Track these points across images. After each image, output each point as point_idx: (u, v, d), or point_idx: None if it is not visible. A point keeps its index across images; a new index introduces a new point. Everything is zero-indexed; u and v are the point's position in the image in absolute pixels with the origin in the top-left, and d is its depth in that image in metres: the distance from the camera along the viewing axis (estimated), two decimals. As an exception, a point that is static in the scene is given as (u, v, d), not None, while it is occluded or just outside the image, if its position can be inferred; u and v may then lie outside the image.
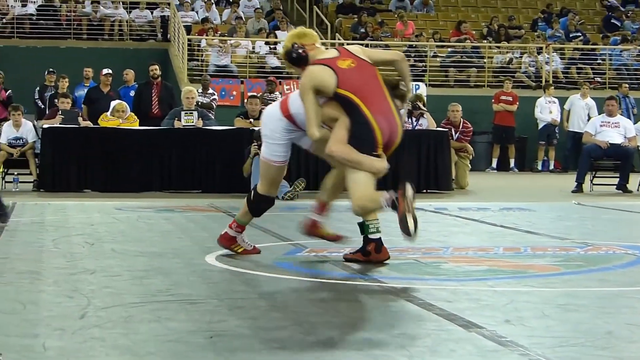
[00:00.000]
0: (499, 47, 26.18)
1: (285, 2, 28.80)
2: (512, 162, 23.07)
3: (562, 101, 22.94)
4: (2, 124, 16.15)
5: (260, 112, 15.44)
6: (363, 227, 6.78)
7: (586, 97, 22.74)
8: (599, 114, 18.40)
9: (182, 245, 7.97)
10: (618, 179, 15.76)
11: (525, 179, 20.81)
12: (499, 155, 23.05)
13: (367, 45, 24.49)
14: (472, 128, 16.85)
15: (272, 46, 24.52)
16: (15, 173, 14.80)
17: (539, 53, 25.68)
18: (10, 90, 19.56)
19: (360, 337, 4.46)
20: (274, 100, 18.12)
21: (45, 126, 14.79)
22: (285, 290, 5.83)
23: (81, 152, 14.41)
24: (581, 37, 27.16)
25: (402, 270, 6.20)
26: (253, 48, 24.43)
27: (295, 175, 13.87)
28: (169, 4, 25.75)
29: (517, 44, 26.48)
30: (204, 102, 18.01)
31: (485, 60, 25.42)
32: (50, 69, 19.79)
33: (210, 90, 19.28)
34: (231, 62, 23.81)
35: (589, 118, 20.67)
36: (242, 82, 23.10)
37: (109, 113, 15.47)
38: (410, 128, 15.12)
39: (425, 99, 17.26)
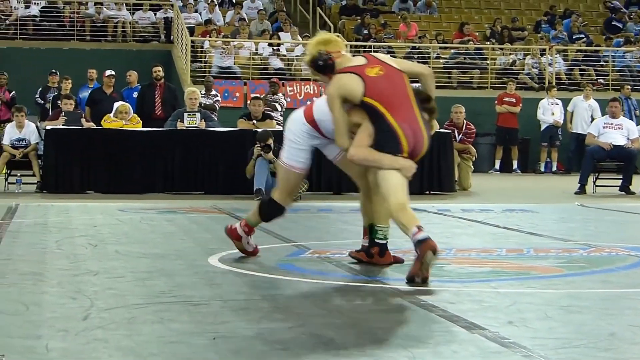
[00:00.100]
0: (502, 49, 26.17)
1: (288, 4, 28.81)
2: (515, 164, 23.06)
3: (565, 103, 22.94)
4: (6, 125, 16.17)
5: (263, 113, 15.51)
6: (372, 230, 6.77)
7: (589, 98, 22.75)
8: (602, 116, 18.39)
9: (185, 246, 7.97)
10: (621, 181, 15.77)
11: (528, 180, 20.80)
12: (502, 156, 23.05)
13: (370, 47, 24.51)
14: (475, 129, 16.85)
15: (275, 48, 24.53)
16: (19, 174, 14.80)
17: (542, 55, 25.67)
18: (14, 92, 19.59)
19: (363, 338, 4.46)
20: (276, 102, 18.20)
21: (48, 127, 14.80)
22: (288, 292, 5.83)
23: (84, 153, 14.42)
24: (584, 39, 27.15)
25: (405, 272, 6.19)
26: (256, 49, 24.44)
27: (298, 176, 13.87)
28: (172, 5, 25.77)
29: (520, 46, 26.47)
30: (207, 103, 18.03)
31: (488, 61, 25.41)
32: (53, 70, 19.81)
33: (213, 92, 19.29)
34: (234, 64, 23.82)
35: (592, 119, 20.67)
36: (245, 84, 23.12)
37: (112, 114, 15.49)
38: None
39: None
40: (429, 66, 24.65)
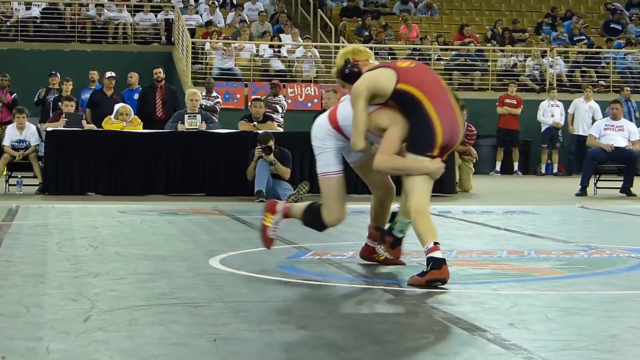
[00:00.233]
0: (503, 51, 26.18)
1: (289, 6, 28.81)
2: (515, 166, 23.06)
3: (566, 104, 22.95)
4: (7, 126, 16.18)
5: (264, 115, 15.51)
6: (393, 220, 6.67)
7: (589, 100, 22.76)
8: (603, 117, 18.39)
9: (186, 248, 7.97)
10: (622, 182, 15.77)
11: (529, 182, 20.80)
12: (503, 158, 23.05)
13: (371, 49, 24.50)
14: (475, 131, 16.84)
15: (276, 49, 24.53)
16: (19, 176, 14.81)
17: (543, 56, 25.67)
18: (15, 94, 19.60)
19: (363, 340, 4.46)
20: (277, 104, 18.19)
21: (49, 129, 14.80)
22: (289, 294, 5.83)
23: (85, 155, 14.42)
24: (585, 41, 27.16)
25: (405, 274, 6.19)
26: (257, 51, 24.45)
27: (299, 178, 13.89)
28: (173, 7, 25.78)
29: (521, 47, 26.47)
30: (208, 105, 18.03)
31: (489, 63, 25.42)
32: (53, 72, 19.81)
33: (214, 93, 19.30)
34: (235, 65, 23.83)
35: (593, 121, 20.67)
36: (246, 85, 23.13)
37: (112, 116, 15.50)
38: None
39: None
40: (430, 68, 24.78)
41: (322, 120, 6.68)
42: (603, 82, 25.42)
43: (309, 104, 22.96)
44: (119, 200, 13.11)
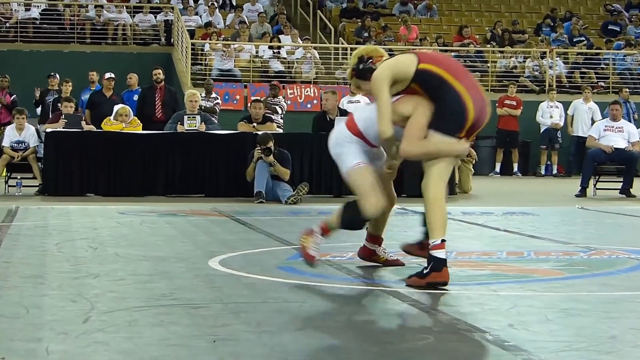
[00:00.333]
0: (502, 52, 26.18)
1: (288, 7, 28.81)
2: (515, 167, 23.06)
3: (566, 105, 22.96)
4: (6, 128, 16.18)
5: (264, 116, 15.51)
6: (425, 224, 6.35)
7: (589, 101, 22.76)
8: (603, 118, 18.39)
9: (185, 249, 7.97)
10: (622, 184, 15.76)
11: (528, 183, 20.80)
12: (503, 159, 23.05)
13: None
14: (475, 132, 16.83)
15: (275, 50, 24.53)
16: (19, 177, 14.80)
17: (542, 57, 25.68)
18: (15, 95, 19.59)
19: (363, 341, 4.46)
20: (277, 105, 18.17)
21: (48, 130, 14.80)
22: (288, 295, 5.83)
23: (84, 156, 14.41)
24: (585, 42, 27.17)
25: (405, 274, 6.19)
26: (256, 52, 24.45)
27: (298, 179, 13.89)
28: (172, 8, 25.78)
29: (520, 49, 26.47)
30: (207, 106, 18.02)
31: (489, 64, 25.42)
32: (52, 73, 19.81)
33: (214, 95, 19.29)
34: (234, 67, 23.83)
35: (593, 122, 20.68)
36: (245, 86, 23.12)
37: (112, 117, 15.49)
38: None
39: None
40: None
41: (340, 129, 6.46)
42: (602, 83, 25.43)
43: (309, 105, 22.96)
44: (118, 202, 13.11)
